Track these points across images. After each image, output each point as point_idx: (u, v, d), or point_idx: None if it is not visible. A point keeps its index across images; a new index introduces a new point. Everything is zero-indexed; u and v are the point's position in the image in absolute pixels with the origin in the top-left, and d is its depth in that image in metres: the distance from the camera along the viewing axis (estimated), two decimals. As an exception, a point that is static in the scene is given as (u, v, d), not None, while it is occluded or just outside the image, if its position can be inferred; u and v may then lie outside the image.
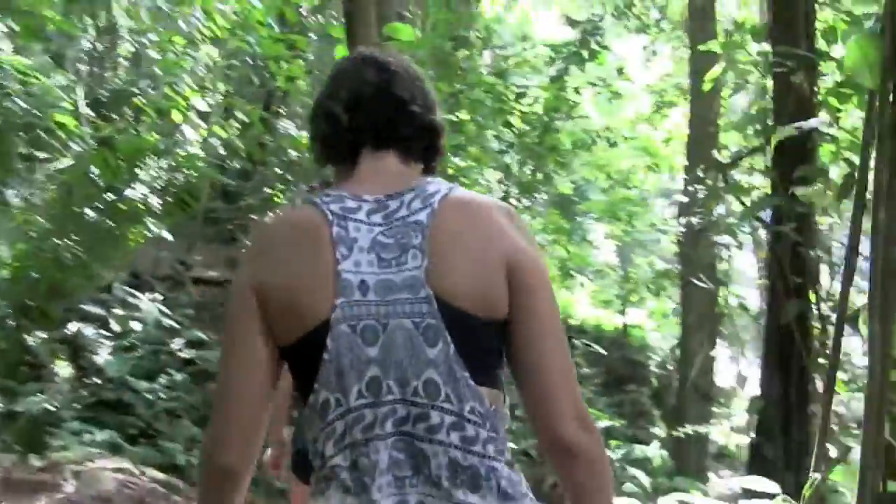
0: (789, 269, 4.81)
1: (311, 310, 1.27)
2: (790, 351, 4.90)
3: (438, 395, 1.26)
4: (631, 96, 12.51)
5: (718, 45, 4.64)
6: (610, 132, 9.22)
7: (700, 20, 7.18)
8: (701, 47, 5.26)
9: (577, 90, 8.45)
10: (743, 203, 5.00)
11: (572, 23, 9.97)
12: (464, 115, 7.71)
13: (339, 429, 1.27)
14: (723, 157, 4.99)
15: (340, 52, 5.46)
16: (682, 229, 6.97)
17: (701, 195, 6.17)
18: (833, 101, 4.82)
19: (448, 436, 1.26)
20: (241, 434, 1.32)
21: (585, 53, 8.54)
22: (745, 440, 8.29)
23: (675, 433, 7.52)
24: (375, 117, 1.41)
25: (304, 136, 9.33)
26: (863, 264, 5.47)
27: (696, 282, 6.13)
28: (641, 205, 14.21)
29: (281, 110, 12.76)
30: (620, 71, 10.37)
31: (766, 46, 4.92)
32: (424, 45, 5.96)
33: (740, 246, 6.35)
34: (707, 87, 4.79)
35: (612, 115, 12.74)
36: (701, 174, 6.38)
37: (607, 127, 9.50)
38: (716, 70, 4.52)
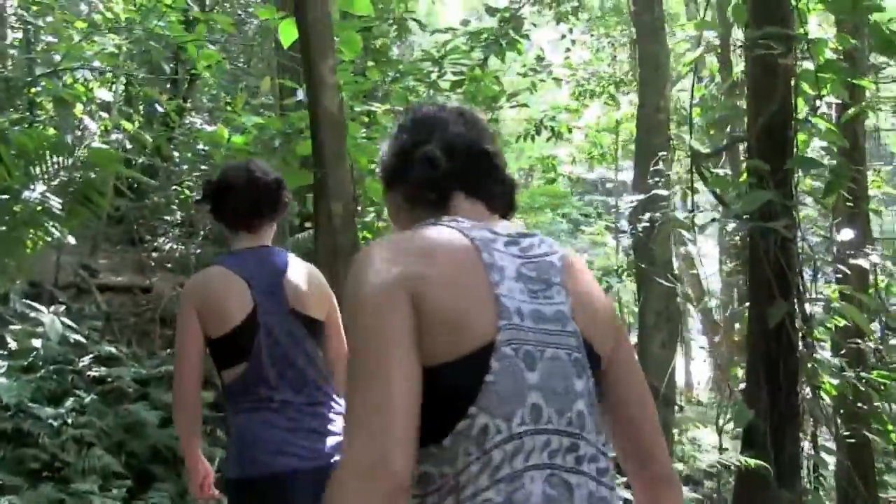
0: (775, 267, 4.49)
1: (476, 330, 1.23)
2: (777, 357, 4.58)
3: (584, 426, 1.28)
4: (550, 86, 12.32)
5: (693, 25, 4.28)
6: (553, 121, 8.88)
7: (644, 2, 6.86)
8: (677, 29, 4.86)
9: (497, 78, 8.13)
10: (719, 198, 4.63)
11: (491, 11, 9.66)
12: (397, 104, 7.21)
13: (497, 458, 1.20)
14: (700, 146, 4.65)
15: (286, 29, 4.86)
16: (627, 225, 6.65)
17: (660, 189, 5.82)
18: (807, 87, 4.52)
19: (589, 467, 1.27)
20: (409, 450, 1.16)
21: (504, 42, 8.22)
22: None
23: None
24: (469, 167, 1.45)
25: (212, 129, 8.73)
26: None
27: (657, 280, 5.77)
28: (566, 195, 14.00)
29: (187, 103, 11.95)
30: (539, 59, 10.08)
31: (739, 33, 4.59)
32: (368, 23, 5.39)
33: (695, 242, 6.04)
34: (684, 70, 4.41)
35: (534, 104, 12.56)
36: (661, 166, 6.03)
37: (552, 117, 9.15)
38: (693, 54, 4.17)
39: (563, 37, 13.24)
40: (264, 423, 2.62)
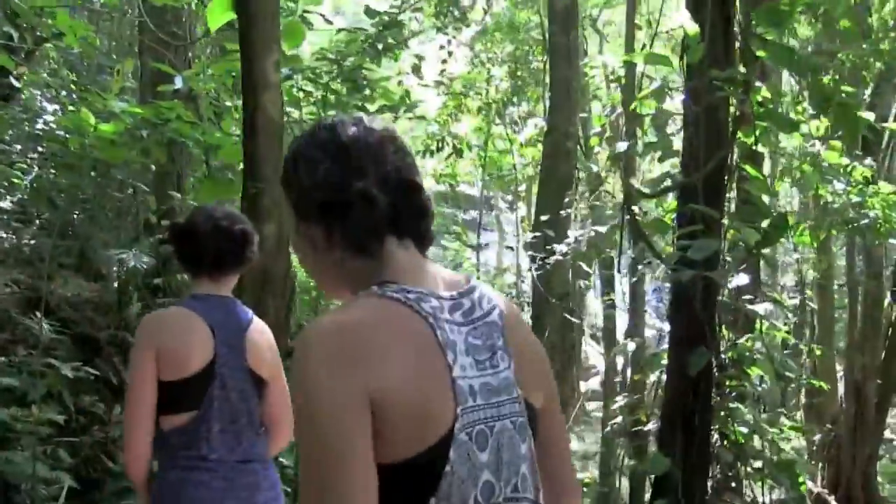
0: (700, 315, 4.44)
1: (436, 422, 1.19)
2: (694, 404, 4.52)
3: (527, 488, 1.31)
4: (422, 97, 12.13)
5: (641, 57, 4.16)
6: (455, 138, 8.60)
7: (562, 24, 6.74)
8: (623, 57, 4.74)
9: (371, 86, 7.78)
10: (646, 240, 4.52)
11: (371, 13, 9.32)
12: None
13: None
14: (643, 186, 4.52)
15: (218, 9, 4.20)
16: (530, 254, 6.52)
17: (564, 216, 5.69)
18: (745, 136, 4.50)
19: None
20: None
21: (380, 47, 7.85)
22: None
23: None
24: (403, 206, 1.34)
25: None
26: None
27: (556, 310, 5.64)
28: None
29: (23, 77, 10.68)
30: (416, 69, 9.83)
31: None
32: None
33: (590, 278, 5.96)
34: (637, 106, 4.27)
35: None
36: (567, 198, 5.91)
37: (455, 135, 8.88)
38: (648, 88, 4.04)
39: (442, 48, 13.09)
40: (199, 485, 2.51)
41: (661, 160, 4.55)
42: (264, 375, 2.67)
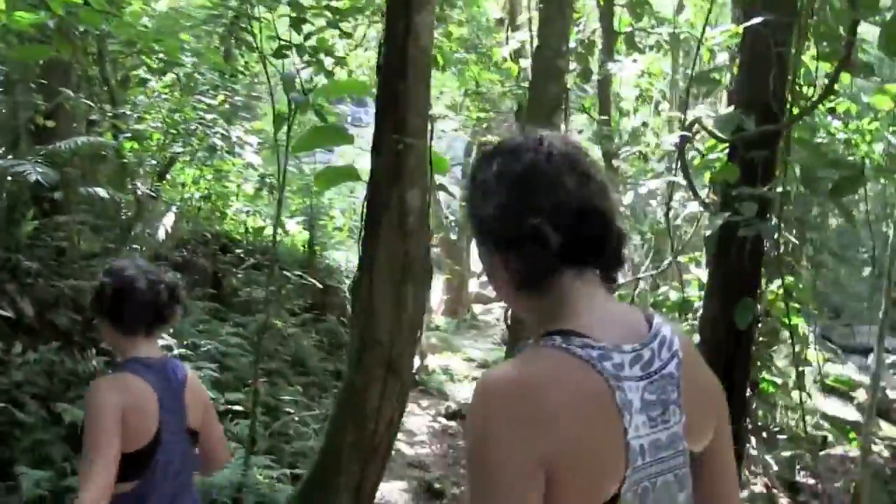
0: (747, 266, 4.15)
1: (607, 482, 1.21)
2: (734, 354, 4.30)
3: None
4: None
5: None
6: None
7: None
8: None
9: None
10: (694, 189, 4.12)
11: None
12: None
13: None
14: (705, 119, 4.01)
15: None
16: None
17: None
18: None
19: None
20: None
21: None
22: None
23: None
24: (579, 239, 1.29)
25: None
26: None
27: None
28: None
29: None
30: None
31: None
32: None
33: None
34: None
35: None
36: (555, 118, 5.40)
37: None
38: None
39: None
40: None
41: (706, 96, 4.10)
42: (197, 427, 2.68)
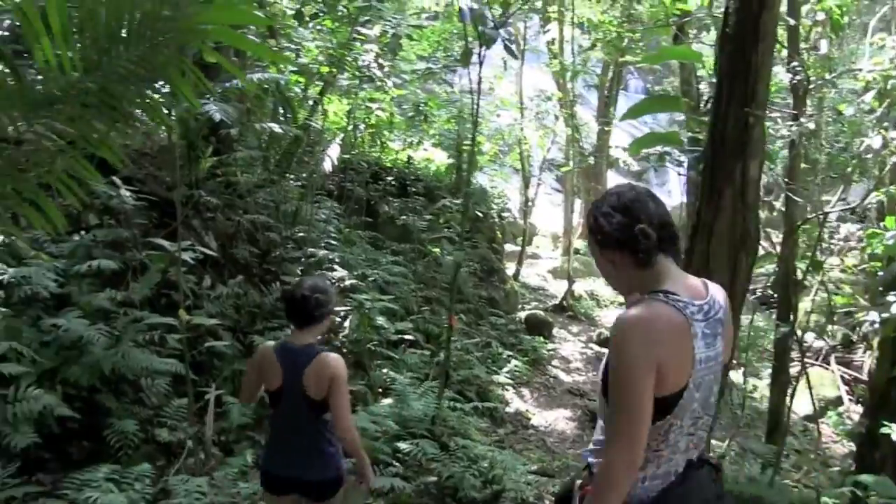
0: None
1: (681, 379, 2.10)
2: None
3: (710, 407, 2.25)
4: None
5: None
6: None
7: None
8: None
9: None
10: None
11: None
12: None
13: (672, 439, 2.18)
14: None
15: None
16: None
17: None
18: None
19: (704, 426, 2.26)
20: (644, 446, 2.10)
21: None
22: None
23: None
24: (664, 236, 2.21)
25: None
26: None
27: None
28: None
29: None
30: None
31: None
32: None
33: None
34: None
35: None
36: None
37: None
38: None
39: None
40: None
41: None
42: (320, 398, 3.43)
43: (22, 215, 2.43)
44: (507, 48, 4.40)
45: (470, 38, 4.67)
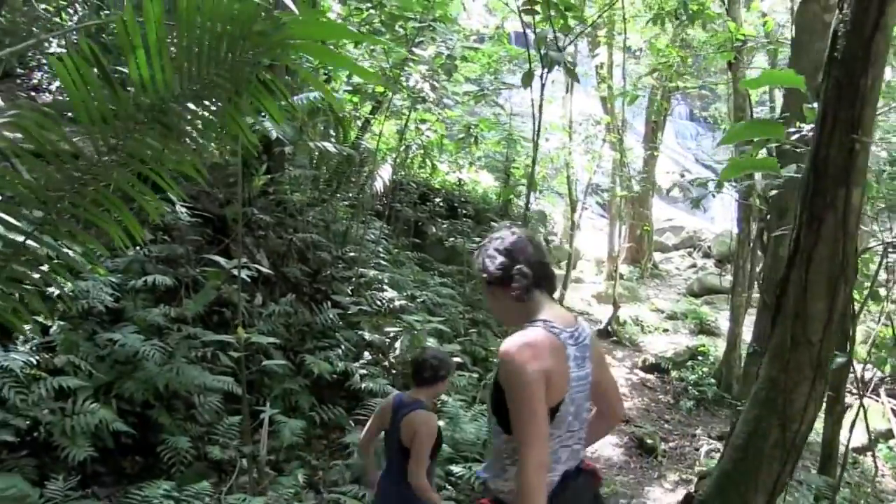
0: None
1: (562, 391, 2.41)
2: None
3: (583, 421, 2.58)
4: None
5: None
6: None
7: None
8: None
9: None
10: None
11: None
12: None
13: (554, 446, 2.44)
14: None
15: None
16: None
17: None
18: None
19: (579, 439, 2.59)
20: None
21: None
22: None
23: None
24: (540, 275, 2.58)
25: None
26: None
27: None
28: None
29: None
30: None
31: None
32: None
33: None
34: None
35: None
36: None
37: None
38: None
39: None
40: None
41: None
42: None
43: (94, 228, 2.42)
44: (568, 71, 4.35)
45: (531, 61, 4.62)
